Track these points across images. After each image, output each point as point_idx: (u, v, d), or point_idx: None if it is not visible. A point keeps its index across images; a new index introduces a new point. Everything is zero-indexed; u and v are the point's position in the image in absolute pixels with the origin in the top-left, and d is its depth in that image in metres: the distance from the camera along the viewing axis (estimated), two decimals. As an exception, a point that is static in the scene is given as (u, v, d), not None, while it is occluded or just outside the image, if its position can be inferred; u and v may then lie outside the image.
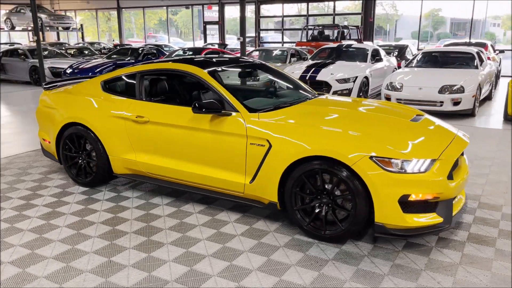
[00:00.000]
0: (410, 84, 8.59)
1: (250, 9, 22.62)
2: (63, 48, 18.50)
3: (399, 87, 8.64)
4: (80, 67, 13.80)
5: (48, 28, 25.44)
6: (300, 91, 4.76)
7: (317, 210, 3.43)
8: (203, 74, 4.05)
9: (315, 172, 3.35)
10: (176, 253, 3.27)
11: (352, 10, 21.17)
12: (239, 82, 5.08)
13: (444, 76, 8.58)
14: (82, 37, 27.55)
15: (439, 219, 3.28)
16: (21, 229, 3.68)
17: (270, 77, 5.04)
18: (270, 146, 3.52)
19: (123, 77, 4.59)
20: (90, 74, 13.38)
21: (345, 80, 9.36)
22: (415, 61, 10.07)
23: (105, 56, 15.84)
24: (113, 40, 27.66)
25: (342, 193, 3.33)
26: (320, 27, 17.09)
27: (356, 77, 9.48)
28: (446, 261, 3.15)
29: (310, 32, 17.10)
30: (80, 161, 4.64)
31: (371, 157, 3.17)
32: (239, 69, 4.83)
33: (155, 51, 15.86)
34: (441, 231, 3.38)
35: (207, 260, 3.16)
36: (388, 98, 8.81)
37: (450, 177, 3.34)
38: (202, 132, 3.86)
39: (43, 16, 25.31)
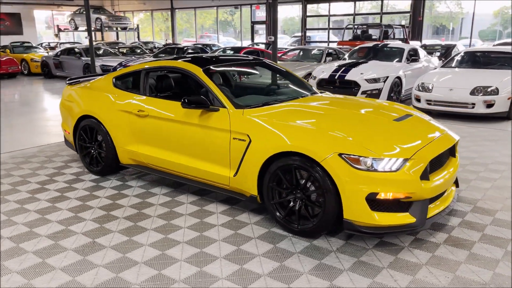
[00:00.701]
0: (441, 85, 8.32)
1: (297, 8, 22.63)
2: (117, 47, 19.53)
3: (430, 88, 8.39)
4: (127, 65, 14.53)
5: (107, 28, 26.91)
6: (298, 88, 4.84)
7: (291, 205, 3.51)
8: (198, 71, 4.25)
9: (290, 167, 3.44)
10: (155, 238, 3.49)
11: (401, 9, 20.54)
12: (238, 79, 5.21)
13: (479, 77, 8.21)
14: (138, 37, 28.86)
15: (412, 219, 3.26)
16: (28, 209, 4.08)
17: (264, 75, 5.17)
18: (250, 141, 3.66)
19: (131, 73, 4.90)
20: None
21: (375, 80, 9.21)
22: (454, 61, 9.70)
23: (152, 55, 16.56)
24: (166, 40, 28.70)
25: (314, 189, 3.40)
26: (364, 26, 16.79)
27: (387, 77, 9.29)
28: (412, 261, 3.13)
29: (353, 31, 16.86)
30: (92, 151, 5.01)
31: (340, 154, 3.22)
32: (240, 67, 4.98)
33: (199, 50, 16.37)
34: (413, 231, 3.36)
35: (180, 246, 3.35)
36: (418, 99, 8.58)
37: (425, 177, 3.30)
38: (192, 126, 4.06)
39: (102, 17, 26.83)
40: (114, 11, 31.99)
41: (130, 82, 4.96)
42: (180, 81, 4.96)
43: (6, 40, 25.41)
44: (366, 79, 9.21)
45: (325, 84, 9.72)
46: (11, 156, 5.87)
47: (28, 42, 24.78)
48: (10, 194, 4.46)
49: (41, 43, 26.07)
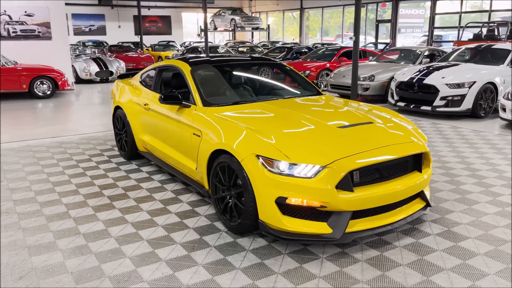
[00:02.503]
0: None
1: (426, 5, 21.02)
2: (236, 46, 20.83)
3: (519, 96, 7.27)
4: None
5: (239, 28, 28.72)
6: (292, 89, 4.87)
7: (226, 201, 3.64)
8: (186, 70, 4.59)
9: (224, 165, 3.57)
10: (113, 215, 3.97)
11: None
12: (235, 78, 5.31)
13: None
14: (268, 36, 30.12)
15: (328, 230, 3.14)
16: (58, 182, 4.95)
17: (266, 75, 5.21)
18: (202, 137, 3.88)
19: (150, 71, 5.47)
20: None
21: (458, 85, 8.29)
22: None
23: (262, 54, 17.28)
24: (293, 39, 29.34)
25: (239, 188, 3.47)
26: (494, 24, 14.86)
27: (474, 82, 8.28)
28: (309, 272, 3.01)
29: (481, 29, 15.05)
30: (122, 138, 5.74)
31: (257, 156, 3.25)
32: (238, 67, 5.13)
33: (306, 50, 16.55)
34: (327, 243, 3.21)
35: (130, 226, 3.77)
36: (503, 109, 7.50)
37: (348, 188, 3.12)
38: (172, 120, 4.43)
39: (236, 18, 28.73)
40: (251, 12, 33.84)
41: (148, 79, 5.54)
42: (179, 79, 5.36)
43: (156, 39, 29.00)
44: (447, 84, 8.35)
45: (404, 88, 9.10)
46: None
47: (173, 42, 27.93)
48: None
49: (184, 42, 29.10)
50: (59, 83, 11.82)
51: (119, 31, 29.12)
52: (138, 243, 3.44)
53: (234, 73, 4.99)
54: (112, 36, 28.66)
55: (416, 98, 8.87)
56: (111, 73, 15.46)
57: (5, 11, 12.62)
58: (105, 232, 3.63)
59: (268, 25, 30.34)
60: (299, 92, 4.87)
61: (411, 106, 8.86)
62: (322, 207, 3.13)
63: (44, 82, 11.67)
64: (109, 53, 18.96)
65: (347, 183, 3.14)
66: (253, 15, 33.07)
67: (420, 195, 3.67)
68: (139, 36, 22.13)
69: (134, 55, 19.39)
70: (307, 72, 12.75)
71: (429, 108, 8.50)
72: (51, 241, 3.48)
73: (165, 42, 27.08)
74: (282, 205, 3.17)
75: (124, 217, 3.94)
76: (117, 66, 15.82)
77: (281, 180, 3.13)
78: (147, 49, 23.34)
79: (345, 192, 3.12)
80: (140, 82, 5.54)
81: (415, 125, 4.14)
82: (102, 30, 28.82)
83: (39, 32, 13.18)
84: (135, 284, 2.88)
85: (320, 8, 28.08)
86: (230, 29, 29.49)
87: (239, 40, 27.37)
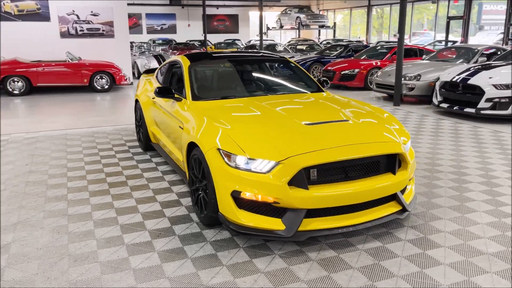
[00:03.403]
0: None
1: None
2: (296, 43, 20.75)
3: None
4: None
5: (304, 26, 28.56)
6: (291, 85, 4.86)
7: (197, 193, 3.73)
8: (185, 65, 4.75)
9: (196, 158, 3.67)
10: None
11: None
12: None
13: None
14: (334, 34, 29.62)
15: (281, 227, 3.13)
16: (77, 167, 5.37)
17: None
18: (183, 129, 4.01)
19: (164, 66, 5.70)
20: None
21: (507, 86, 7.64)
22: None
23: (316, 52, 17.08)
24: (359, 37, 28.55)
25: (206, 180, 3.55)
26: None
27: (525, 83, 7.57)
28: (255, 267, 3.01)
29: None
30: (140, 129, 6.06)
31: (218, 149, 3.31)
32: (238, 63, 5.15)
33: (362, 47, 16.09)
34: (280, 239, 3.19)
35: (113, 211, 4.01)
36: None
37: (303, 186, 3.08)
38: (167, 113, 4.62)
39: (301, 16, 28.60)
40: (319, 10, 33.47)
41: (160, 74, 5.77)
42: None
43: (223, 38, 29.76)
44: (494, 85, 7.73)
45: (448, 88, 8.56)
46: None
47: (238, 40, 28.48)
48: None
49: (249, 41, 29.53)
50: (116, 78, 12.63)
51: (189, 29, 30.27)
52: (112, 227, 3.65)
53: (232, 69, 5.05)
54: (182, 34, 29.88)
55: (460, 100, 8.31)
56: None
57: (73, 11, 13.72)
58: (88, 215, 3.89)
59: (335, 23, 29.81)
60: (298, 89, 4.83)
61: (454, 108, 8.32)
62: (275, 203, 3.12)
63: (103, 77, 12.53)
64: (170, 50, 19.79)
65: (302, 180, 3.09)
66: (321, 13, 32.68)
67: (396, 198, 3.50)
68: (203, 35, 22.84)
69: (195, 53, 20.04)
70: (356, 70, 12.42)
71: (473, 110, 7.92)
72: (38, 220, 3.81)
73: (230, 40, 27.72)
74: (238, 198, 3.20)
75: (112, 202, 4.18)
76: (176, 63, 16.50)
77: (237, 174, 3.16)
78: (210, 47, 24.03)
79: (299, 190, 3.08)
80: (156, 77, 5.80)
81: (402, 125, 3.94)
82: (172, 29, 30.15)
83: (103, 30, 14.15)
84: (89, 263, 3.07)
85: (388, 5, 27.02)
86: (296, 27, 29.42)
87: (302, 38, 27.20)
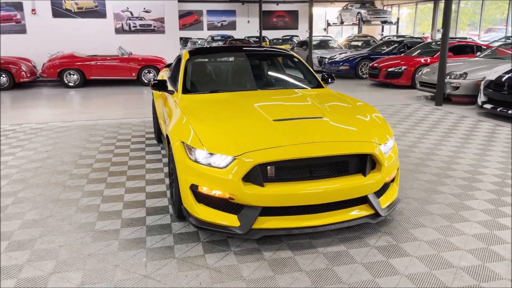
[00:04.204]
0: None
1: None
2: (351, 40, 20.17)
3: None
4: (334, 58, 15.14)
5: (365, 22, 27.70)
6: (288, 80, 4.76)
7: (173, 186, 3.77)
8: (184, 58, 4.80)
9: (170, 150, 3.70)
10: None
11: None
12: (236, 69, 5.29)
13: None
14: (397, 30, 28.43)
15: (236, 223, 3.08)
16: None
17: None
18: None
19: (175, 61, 5.80)
20: (336, 65, 14.60)
21: (557, 87, 6.90)
22: None
23: (369, 48, 16.49)
24: (423, 34, 27.14)
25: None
26: None
27: None
28: (205, 262, 2.99)
29: None
30: (155, 122, 6.24)
31: (182, 142, 3.32)
32: (237, 57, 5.11)
33: (417, 43, 15.30)
34: (234, 236, 3.13)
35: (99, 199, 4.17)
36: None
37: (258, 183, 3.00)
38: (166, 106, 4.71)
39: (362, 11, 27.76)
40: (383, 5, 32.27)
41: (171, 68, 5.88)
42: None
43: (282, 34, 29.68)
44: (542, 85, 7.01)
45: (494, 88, 7.89)
46: (139, 121, 7.72)
47: (297, 36, 28.28)
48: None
49: (308, 37, 29.19)
50: (163, 72, 13.08)
51: (248, 26, 30.54)
52: (91, 213, 3.79)
53: (230, 63, 5.02)
54: (241, 30, 30.22)
55: (505, 100, 7.63)
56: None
57: (127, 8, 14.38)
58: (74, 202, 4.08)
59: (398, 18, 28.58)
60: (294, 84, 4.71)
61: (498, 109, 7.65)
62: (231, 199, 3.07)
63: (151, 71, 13.03)
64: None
65: (257, 177, 3.01)
66: (385, 8, 31.49)
67: (368, 202, 3.29)
68: (259, 31, 22.95)
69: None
70: (403, 67, 11.84)
71: (518, 112, 7.25)
72: (29, 203, 4.05)
73: (288, 37, 27.58)
74: (196, 193, 3.19)
75: (103, 190, 4.35)
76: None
77: (196, 168, 3.15)
78: (265, 43, 24.08)
79: (254, 186, 3.01)
80: (170, 70, 5.92)
81: (387, 124, 3.68)
82: (232, 25, 30.60)
83: (154, 26, 14.71)
84: (46, 244, 3.22)
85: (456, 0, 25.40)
86: (356, 23, 28.60)
87: (362, 34, 26.38)
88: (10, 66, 12.31)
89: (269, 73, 5.20)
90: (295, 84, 4.77)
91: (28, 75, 12.55)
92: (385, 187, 3.48)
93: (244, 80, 4.82)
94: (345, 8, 29.79)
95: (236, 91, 4.40)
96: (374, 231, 3.42)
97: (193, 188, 3.18)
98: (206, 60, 5.05)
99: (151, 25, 14.68)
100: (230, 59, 5.01)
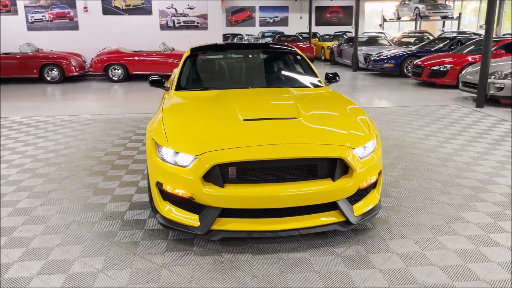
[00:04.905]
0: None
1: None
2: (403, 36, 19.33)
3: None
4: (379, 56, 14.60)
5: (422, 17, 26.46)
6: (285, 79, 4.64)
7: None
8: (186, 55, 4.82)
9: (151, 147, 3.74)
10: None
11: None
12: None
13: None
14: (458, 26, 26.90)
15: (196, 223, 3.05)
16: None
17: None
18: (157, 118, 4.11)
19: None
20: (380, 63, 14.10)
21: None
22: None
23: (420, 44, 15.72)
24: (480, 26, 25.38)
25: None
26: None
27: None
28: (162, 261, 2.98)
29: None
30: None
31: (153, 139, 3.34)
32: (239, 55, 5.03)
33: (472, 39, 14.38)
34: (194, 236, 3.10)
35: (91, 191, 4.31)
36: None
37: (218, 183, 2.95)
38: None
39: (420, 6, 26.53)
40: (445, -1, 30.61)
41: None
42: None
43: (335, 30, 29.09)
44: None
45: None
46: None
47: (349, 32, 27.61)
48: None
49: (363, 33, 28.38)
50: (202, 68, 13.28)
51: (300, 22, 30.20)
52: (76, 205, 3.92)
53: (229, 60, 4.97)
54: (293, 26, 29.95)
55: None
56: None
57: (172, 5, 14.73)
58: (67, 192, 4.23)
59: (460, 13, 26.99)
60: (290, 82, 4.57)
61: (541, 113, 7.00)
62: (192, 199, 3.04)
63: (191, 67, 13.27)
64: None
65: (217, 177, 2.96)
66: (446, 2, 29.84)
67: (338, 208, 3.12)
68: (308, 27, 22.61)
69: (295, 46, 20.06)
70: (448, 66, 11.16)
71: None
72: (27, 191, 4.27)
73: (340, 33, 26.96)
74: (162, 190, 3.19)
75: (98, 183, 4.48)
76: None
77: (161, 166, 3.15)
78: (314, 40, 23.72)
79: (214, 187, 2.96)
80: (181, 67, 5.99)
81: (370, 130, 3.45)
82: (284, 21, 30.39)
83: (197, 23, 14.96)
84: (24, 232, 3.37)
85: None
86: (414, 18, 27.38)
87: (418, 30, 25.19)
88: (61, 61, 13.06)
89: (267, 71, 5.09)
90: (292, 82, 4.64)
91: (77, 69, 13.25)
92: (362, 193, 3.29)
93: (239, 78, 4.75)
94: (402, 2, 28.60)
95: (228, 88, 4.35)
96: (347, 239, 3.24)
97: (159, 186, 3.18)
98: (205, 57, 5.03)
99: (195, 21, 14.94)
100: (230, 57, 4.97)
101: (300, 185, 3.00)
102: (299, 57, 4.95)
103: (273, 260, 2.97)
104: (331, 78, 4.77)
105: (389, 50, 15.14)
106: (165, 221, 3.17)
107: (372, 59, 14.67)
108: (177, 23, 14.87)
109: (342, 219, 3.12)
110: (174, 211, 3.15)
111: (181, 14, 14.82)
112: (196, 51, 4.92)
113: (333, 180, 3.06)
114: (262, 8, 30.06)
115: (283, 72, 4.99)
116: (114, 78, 13.24)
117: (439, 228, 3.41)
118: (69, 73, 13.06)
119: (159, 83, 4.56)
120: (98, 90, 11.66)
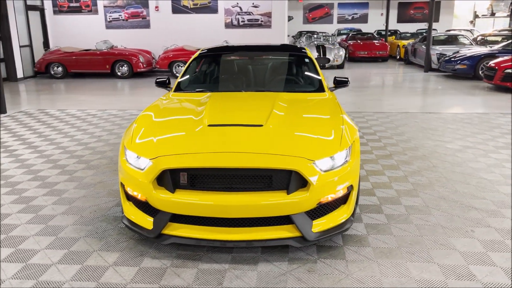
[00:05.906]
0: None
1: None
2: (489, 34, 17.68)
3: None
4: (453, 56, 13.54)
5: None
6: (285, 83, 4.53)
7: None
8: (193, 57, 4.87)
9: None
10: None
11: None
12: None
13: None
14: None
15: (150, 226, 3.10)
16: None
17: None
18: (151, 118, 4.21)
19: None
20: (452, 64, 13.12)
21: None
22: None
23: (502, 44, 14.26)
24: None
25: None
26: None
27: None
28: (112, 259, 3.05)
29: None
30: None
31: (124, 145, 3.42)
32: (249, 57, 4.91)
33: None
34: (146, 238, 3.14)
35: (78, 189, 4.55)
36: None
37: (169, 188, 2.96)
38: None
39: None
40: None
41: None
42: None
43: (419, 27, 27.48)
44: None
45: None
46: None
47: (434, 29, 25.92)
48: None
49: (448, 30, 26.48)
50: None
51: (381, 19, 28.91)
52: (70, 198, 4.16)
53: (233, 63, 4.90)
54: (373, 24, 28.79)
55: None
56: (328, 60, 16.01)
57: (237, 3, 14.94)
58: (63, 184, 4.50)
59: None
60: (290, 86, 4.41)
61: None
62: (147, 202, 3.08)
63: (250, 65, 13.40)
64: (338, 40, 19.50)
65: (167, 182, 2.96)
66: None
67: (294, 222, 2.95)
68: (385, 24, 21.62)
69: (367, 43, 19.36)
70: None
71: None
72: (23, 181, 4.61)
73: (422, 30, 25.40)
74: (125, 191, 3.27)
75: (98, 177, 4.70)
76: (335, 53, 16.27)
77: (123, 167, 3.23)
78: (391, 38, 22.61)
79: (165, 192, 2.97)
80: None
81: (347, 141, 3.20)
82: (364, 18, 29.31)
83: (261, 21, 15.01)
84: (13, 222, 3.64)
85: None
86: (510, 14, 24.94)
87: (508, 28, 22.84)
88: (131, 57, 13.90)
89: (269, 74, 4.94)
90: (291, 87, 4.46)
91: (145, 65, 14.01)
92: (327, 209, 3.08)
93: (237, 81, 4.69)
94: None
95: (222, 91, 4.32)
96: (307, 256, 3.07)
97: (123, 187, 3.26)
98: (211, 60, 5.03)
99: (259, 19, 15.01)
100: (236, 59, 4.92)
101: (252, 196, 2.89)
102: (307, 60, 4.76)
103: (216, 270, 2.90)
104: (338, 83, 4.52)
105: (468, 50, 13.95)
106: (126, 221, 3.25)
107: (444, 59, 13.62)
108: (241, 21, 15.06)
109: (298, 234, 2.96)
110: (134, 212, 3.22)
111: (245, 12, 14.98)
112: (201, 54, 4.95)
113: (287, 193, 2.90)
114: (341, 5, 29.30)
115: (285, 76, 4.82)
116: (177, 75, 13.78)
117: (414, 252, 3.09)
118: (137, 69, 13.85)
119: (163, 83, 4.66)
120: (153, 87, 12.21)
